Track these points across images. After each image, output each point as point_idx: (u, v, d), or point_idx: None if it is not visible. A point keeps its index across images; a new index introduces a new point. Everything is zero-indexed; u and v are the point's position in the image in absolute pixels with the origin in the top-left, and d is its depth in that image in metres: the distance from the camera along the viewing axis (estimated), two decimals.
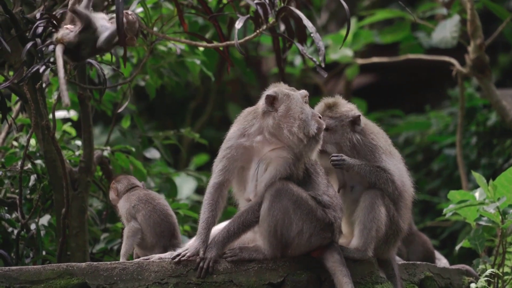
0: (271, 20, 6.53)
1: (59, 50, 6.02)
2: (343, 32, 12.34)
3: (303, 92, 5.97)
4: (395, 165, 6.29)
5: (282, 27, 7.48)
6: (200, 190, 11.45)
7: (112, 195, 6.52)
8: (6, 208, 7.06)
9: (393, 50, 12.54)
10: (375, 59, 11.75)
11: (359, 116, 6.33)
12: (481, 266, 6.77)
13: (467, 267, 6.96)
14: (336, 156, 6.15)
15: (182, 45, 7.88)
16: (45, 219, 7.33)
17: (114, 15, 6.12)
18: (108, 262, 5.73)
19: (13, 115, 7.57)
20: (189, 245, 5.83)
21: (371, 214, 6.09)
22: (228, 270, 5.78)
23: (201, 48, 8.22)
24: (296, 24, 7.23)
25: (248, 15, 6.68)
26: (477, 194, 6.71)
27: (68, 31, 6.13)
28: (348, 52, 12.02)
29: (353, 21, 12.48)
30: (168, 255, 5.87)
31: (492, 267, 6.67)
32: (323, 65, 6.37)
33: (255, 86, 14.70)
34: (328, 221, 5.85)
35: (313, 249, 5.87)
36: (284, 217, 5.75)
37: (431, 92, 15.23)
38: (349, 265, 5.89)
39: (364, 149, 6.27)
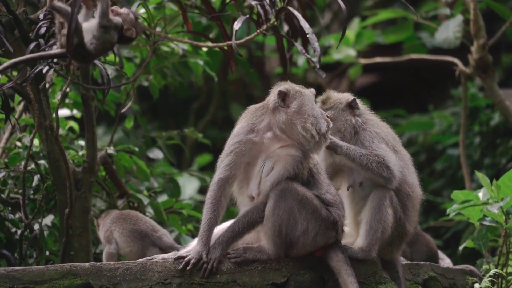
0: (272, 19, 6.54)
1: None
2: (346, 32, 12.35)
3: (312, 90, 6.01)
4: (397, 158, 6.25)
5: (286, 28, 7.48)
6: (203, 190, 11.44)
7: (98, 231, 6.91)
8: (9, 208, 7.06)
9: (396, 50, 12.54)
10: (378, 59, 11.75)
11: (355, 99, 6.37)
12: (484, 266, 6.76)
13: (471, 267, 6.95)
14: None
15: (185, 45, 7.88)
16: (48, 219, 7.34)
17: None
18: (112, 262, 5.73)
19: (16, 116, 7.57)
20: (192, 249, 5.81)
21: (378, 215, 6.08)
22: (231, 270, 5.78)
23: (204, 49, 8.22)
24: (298, 25, 7.23)
25: (247, 16, 6.69)
26: (480, 194, 6.70)
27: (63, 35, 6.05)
28: (351, 52, 12.02)
29: (356, 21, 12.49)
30: (172, 255, 5.87)
31: (496, 267, 6.66)
32: (318, 66, 6.39)
33: (258, 86, 14.71)
34: (332, 220, 5.86)
35: (318, 248, 5.87)
36: (289, 216, 5.75)
37: (434, 92, 15.22)
38: (353, 265, 5.89)
39: (363, 134, 6.26)
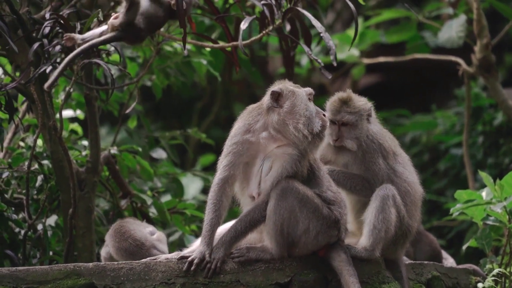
0: (277, 21, 6.53)
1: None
2: (349, 32, 12.36)
3: (308, 89, 5.98)
4: (400, 166, 6.31)
5: (288, 27, 7.48)
6: (206, 190, 11.44)
7: None
8: (13, 208, 7.07)
9: (399, 50, 12.53)
10: (381, 59, 11.74)
11: (371, 107, 6.38)
12: (488, 266, 6.76)
13: (474, 266, 6.95)
14: None
15: (189, 45, 7.89)
16: (52, 220, 7.35)
17: None
18: (115, 262, 5.73)
19: (20, 116, 7.58)
20: (195, 249, 5.82)
21: (382, 214, 6.08)
22: (235, 270, 5.78)
23: (208, 49, 8.22)
24: (301, 25, 7.23)
25: (254, 16, 6.68)
26: (484, 193, 6.70)
27: (114, 17, 6.20)
28: (354, 52, 12.02)
29: (360, 21, 12.47)
30: (175, 255, 5.88)
31: (499, 267, 6.66)
32: (335, 64, 6.42)
33: (261, 86, 14.69)
34: (334, 218, 5.86)
35: (320, 247, 5.87)
36: (290, 215, 5.75)
37: (437, 92, 15.22)
38: (356, 265, 5.89)
39: (371, 145, 6.31)
